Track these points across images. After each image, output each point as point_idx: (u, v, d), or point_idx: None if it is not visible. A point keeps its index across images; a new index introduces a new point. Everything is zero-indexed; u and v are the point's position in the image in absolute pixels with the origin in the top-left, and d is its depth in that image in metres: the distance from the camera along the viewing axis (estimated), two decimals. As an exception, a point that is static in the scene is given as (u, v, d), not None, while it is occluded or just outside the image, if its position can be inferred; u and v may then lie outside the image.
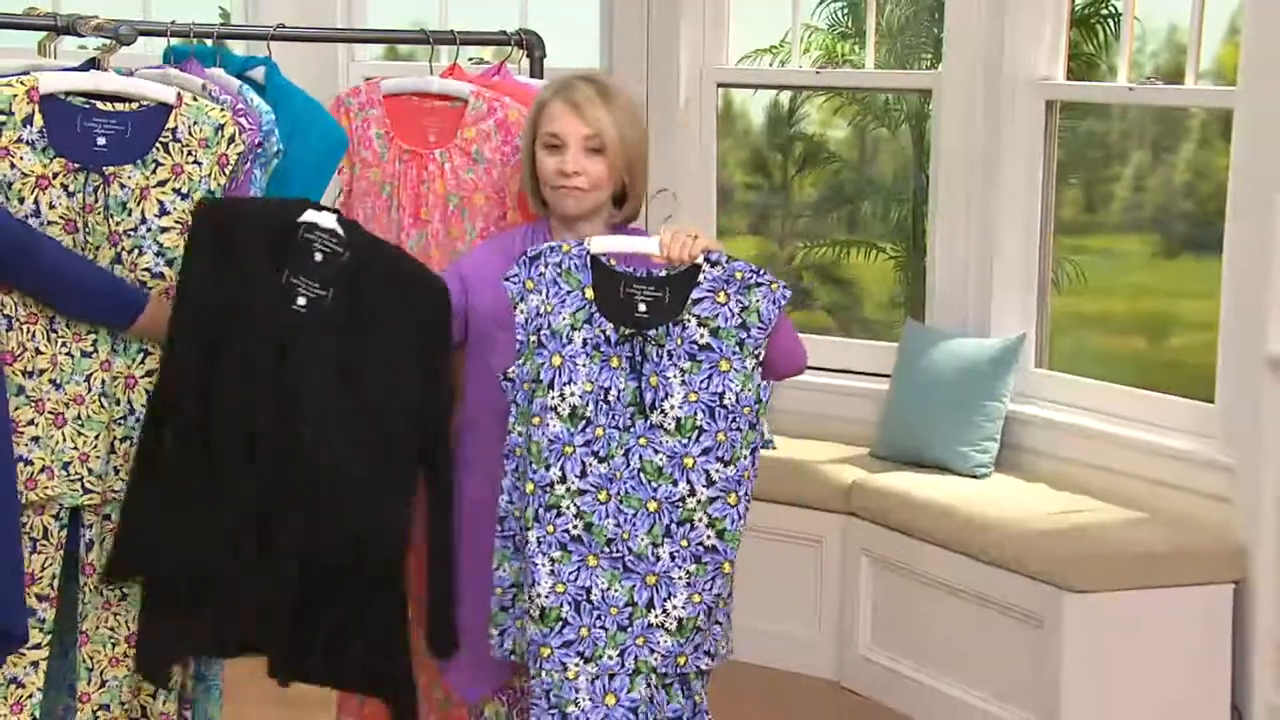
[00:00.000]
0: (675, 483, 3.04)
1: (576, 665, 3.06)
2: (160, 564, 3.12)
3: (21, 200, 3.08)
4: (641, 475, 3.04)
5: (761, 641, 5.32)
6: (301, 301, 3.06)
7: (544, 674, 3.06)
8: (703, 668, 3.14)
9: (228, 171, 3.18)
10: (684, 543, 3.05)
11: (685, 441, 3.03)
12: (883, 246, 9.83)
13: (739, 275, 3.05)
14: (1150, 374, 8.12)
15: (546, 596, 3.05)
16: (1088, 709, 4.47)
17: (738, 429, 3.05)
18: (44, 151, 3.09)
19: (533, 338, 3.06)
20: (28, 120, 3.08)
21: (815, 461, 5.40)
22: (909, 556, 4.98)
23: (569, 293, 3.06)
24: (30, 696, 3.16)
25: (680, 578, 3.06)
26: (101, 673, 3.24)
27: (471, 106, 3.53)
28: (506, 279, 3.08)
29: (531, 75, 3.88)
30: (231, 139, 3.18)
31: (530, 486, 3.05)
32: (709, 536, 3.05)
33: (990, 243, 5.42)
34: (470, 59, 3.96)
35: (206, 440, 3.07)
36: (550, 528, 3.04)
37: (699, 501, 3.04)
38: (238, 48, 4.03)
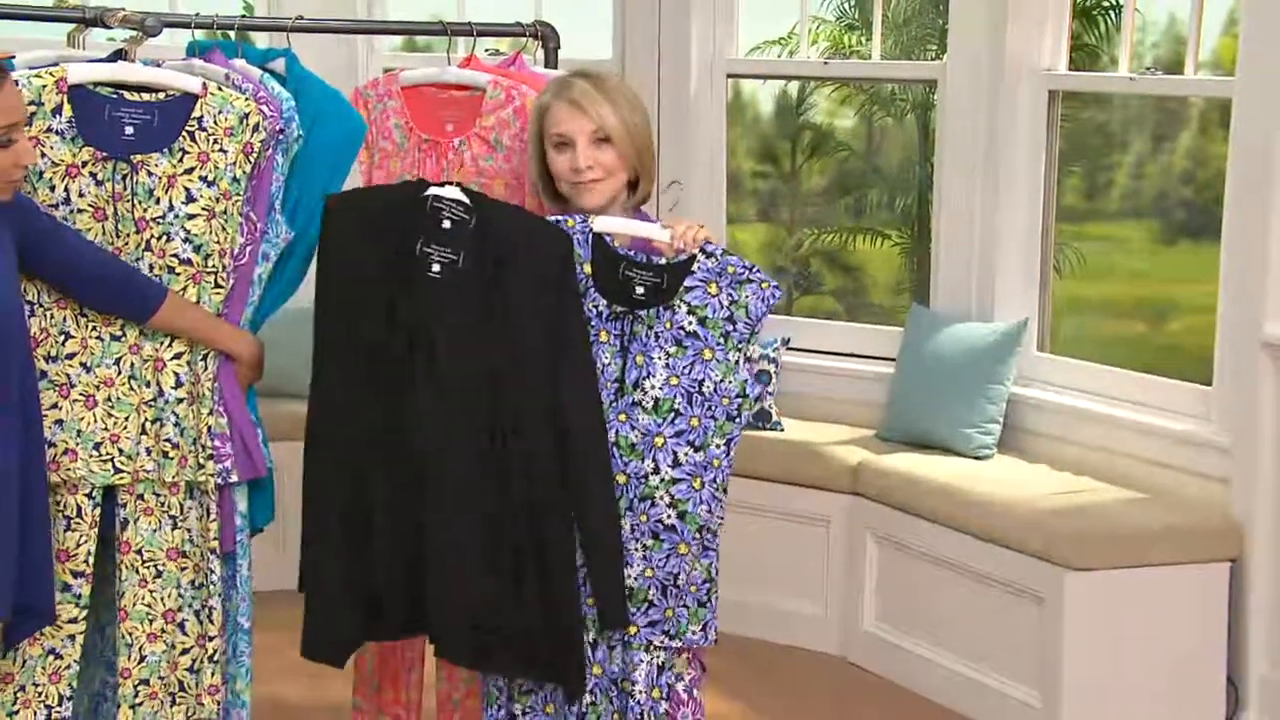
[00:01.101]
0: (643, 459, 3.12)
1: None
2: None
3: (52, 188, 3.14)
4: (615, 449, 3.13)
5: (770, 618, 5.41)
6: (436, 268, 3.12)
7: None
8: (656, 644, 3.20)
9: (252, 158, 3.24)
10: (644, 518, 3.14)
11: (660, 422, 3.12)
12: (888, 233, 9.86)
13: (731, 269, 3.12)
14: (1149, 357, 8.13)
15: None
16: (1087, 683, 4.52)
17: (712, 417, 3.13)
18: (73, 140, 3.15)
19: None
20: (57, 110, 3.14)
21: (822, 443, 5.45)
22: (913, 535, 5.03)
23: None
24: (68, 667, 3.23)
25: (636, 550, 3.15)
26: (140, 648, 3.29)
27: (490, 95, 3.57)
28: None
29: (546, 66, 3.93)
30: (256, 127, 3.23)
31: None
32: (669, 515, 3.14)
33: (993, 229, 5.45)
34: (486, 50, 4.00)
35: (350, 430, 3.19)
36: None
37: (662, 480, 3.12)
38: (260, 39, 4.10)
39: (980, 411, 5.24)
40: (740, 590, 5.36)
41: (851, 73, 8.01)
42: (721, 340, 3.12)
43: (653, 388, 3.12)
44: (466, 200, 3.14)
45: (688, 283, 3.12)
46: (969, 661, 4.87)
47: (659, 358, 3.12)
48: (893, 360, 5.64)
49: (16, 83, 3.01)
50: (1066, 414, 5.20)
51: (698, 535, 3.16)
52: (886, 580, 5.19)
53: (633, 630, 3.18)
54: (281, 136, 3.30)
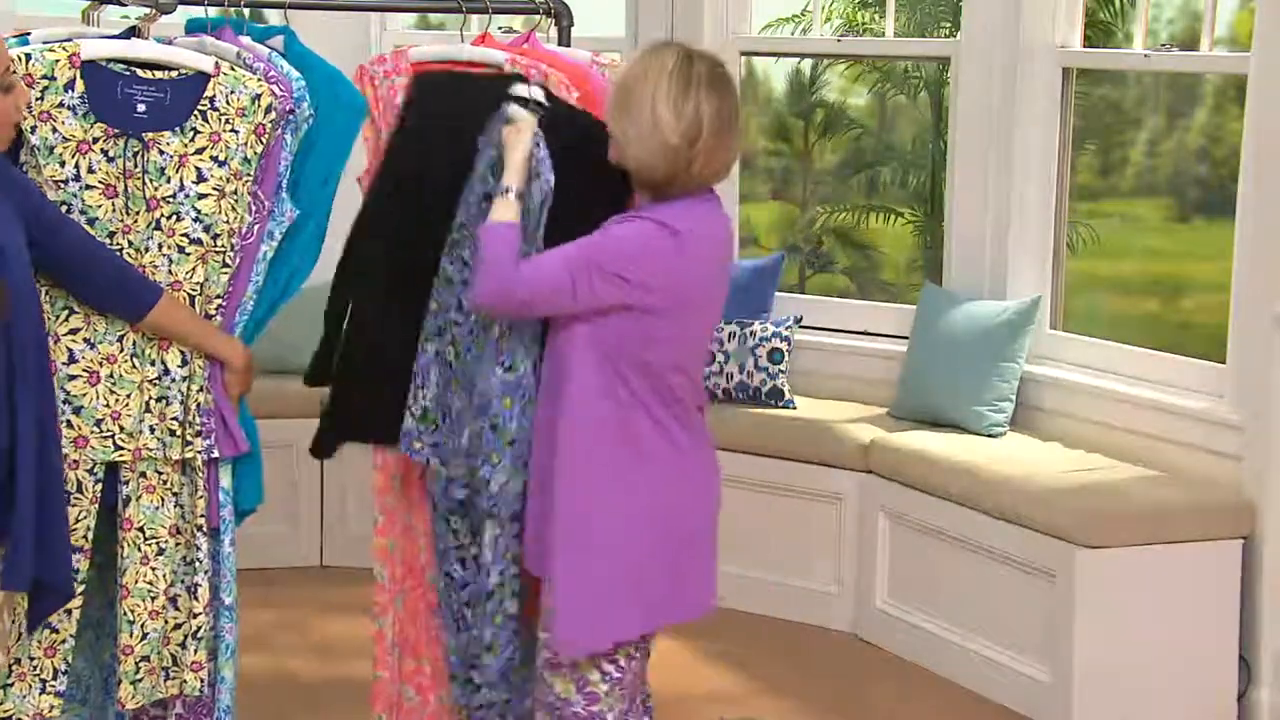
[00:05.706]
0: None
1: None
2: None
3: (62, 164, 3.14)
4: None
5: (782, 595, 5.42)
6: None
7: None
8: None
9: (264, 140, 3.25)
10: None
11: None
12: (901, 211, 9.84)
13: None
14: (1163, 335, 8.11)
15: None
16: (1099, 661, 4.53)
17: None
18: (85, 116, 3.15)
19: None
20: (69, 85, 3.14)
21: (835, 421, 5.45)
22: (925, 513, 5.04)
23: None
24: (63, 642, 3.23)
25: None
26: (142, 625, 3.30)
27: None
28: None
29: (560, 44, 3.92)
30: (268, 108, 3.24)
31: None
32: None
33: (1007, 207, 5.45)
34: (500, 28, 3.99)
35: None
36: None
37: None
38: (273, 17, 4.08)
39: (992, 389, 5.24)
40: (752, 567, 5.38)
41: (865, 50, 7.99)
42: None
43: None
44: (544, 101, 3.22)
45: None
46: (980, 638, 4.88)
47: None
48: (905, 338, 5.64)
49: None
50: (1079, 392, 5.21)
51: None
52: (898, 557, 5.19)
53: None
54: (291, 116, 3.31)
